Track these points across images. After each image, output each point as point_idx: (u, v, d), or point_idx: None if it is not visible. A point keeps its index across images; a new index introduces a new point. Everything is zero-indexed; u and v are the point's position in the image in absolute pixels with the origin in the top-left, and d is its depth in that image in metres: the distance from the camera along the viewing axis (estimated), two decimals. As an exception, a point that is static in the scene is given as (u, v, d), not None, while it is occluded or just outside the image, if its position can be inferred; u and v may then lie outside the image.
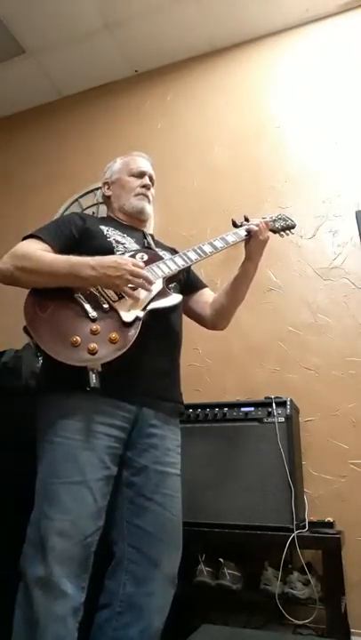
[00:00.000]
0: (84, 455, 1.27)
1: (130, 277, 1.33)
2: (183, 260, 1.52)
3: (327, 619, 1.67)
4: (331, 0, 2.74)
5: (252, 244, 1.60)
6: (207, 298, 1.71)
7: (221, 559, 1.85)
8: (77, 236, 1.49)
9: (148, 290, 1.39)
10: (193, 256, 1.53)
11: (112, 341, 1.29)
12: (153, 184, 1.73)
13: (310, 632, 1.73)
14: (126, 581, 1.33)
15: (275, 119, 2.75)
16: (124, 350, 1.29)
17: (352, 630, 1.78)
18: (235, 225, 1.63)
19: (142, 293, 1.39)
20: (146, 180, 1.69)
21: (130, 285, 1.35)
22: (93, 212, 2.89)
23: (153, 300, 1.40)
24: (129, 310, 1.35)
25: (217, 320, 1.68)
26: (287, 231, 1.76)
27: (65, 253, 1.41)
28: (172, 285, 1.53)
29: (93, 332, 1.29)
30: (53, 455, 1.28)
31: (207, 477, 1.86)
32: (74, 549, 1.23)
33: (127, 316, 1.34)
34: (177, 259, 1.52)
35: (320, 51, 2.75)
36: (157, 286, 1.43)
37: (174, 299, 1.46)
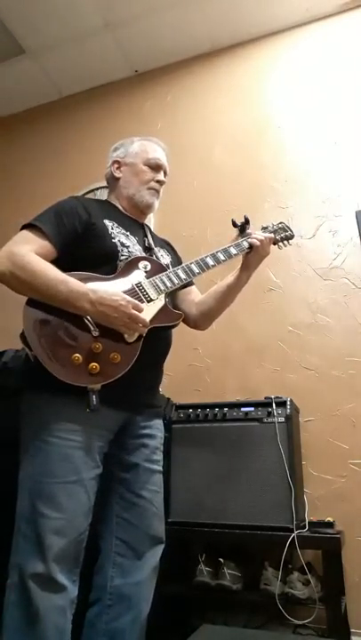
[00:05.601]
0: (77, 455, 1.28)
1: (127, 321, 1.31)
2: (186, 273, 1.50)
3: (327, 619, 1.67)
4: (331, 0, 2.74)
5: (251, 257, 1.60)
6: (194, 296, 1.68)
7: (221, 559, 1.85)
8: (81, 230, 1.43)
9: (142, 333, 1.35)
10: (196, 269, 1.52)
11: (112, 361, 1.29)
12: (165, 177, 1.66)
13: (310, 632, 1.73)
14: (114, 574, 1.37)
15: (275, 119, 2.75)
16: (125, 371, 1.29)
17: (352, 630, 1.78)
18: (234, 225, 1.63)
19: (145, 311, 1.37)
20: (161, 176, 1.62)
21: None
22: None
23: (156, 317, 1.39)
24: None
25: (201, 320, 1.66)
26: (285, 242, 1.73)
27: (66, 248, 1.39)
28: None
29: (95, 350, 1.28)
30: (47, 455, 1.27)
31: (207, 477, 1.86)
32: (69, 547, 1.25)
33: (130, 336, 1.34)
34: (180, 272, 1.49)
35: (320, 50, 2.76)
36: (160, 303, 1.42)
37: (176, 317, 1.46)
